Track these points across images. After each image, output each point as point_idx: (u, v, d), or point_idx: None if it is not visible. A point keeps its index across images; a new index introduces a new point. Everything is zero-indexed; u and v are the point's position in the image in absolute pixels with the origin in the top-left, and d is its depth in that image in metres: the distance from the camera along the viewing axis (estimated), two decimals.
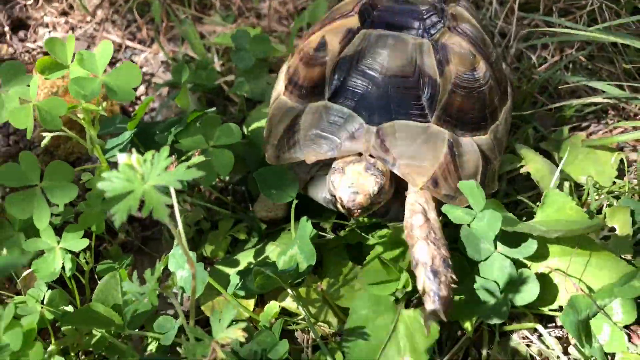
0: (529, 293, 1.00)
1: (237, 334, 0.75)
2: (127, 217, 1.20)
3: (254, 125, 1.23)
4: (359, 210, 0.96)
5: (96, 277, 1.05)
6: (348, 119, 1.01)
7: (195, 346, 0.73)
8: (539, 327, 0.99)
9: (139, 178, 0.66)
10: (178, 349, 0.93)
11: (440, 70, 1.03)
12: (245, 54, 1.31)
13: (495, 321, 0.99)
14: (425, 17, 1.08)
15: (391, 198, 1.05)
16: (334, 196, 0.98)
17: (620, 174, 1.25)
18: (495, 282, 1.00)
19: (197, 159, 0.80)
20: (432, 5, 1.11)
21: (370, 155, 1.00)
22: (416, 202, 0.99)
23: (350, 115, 1.02)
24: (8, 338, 0.80)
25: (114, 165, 1.08)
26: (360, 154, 1.00)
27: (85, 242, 0.92)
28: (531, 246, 1.01)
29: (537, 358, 1.02)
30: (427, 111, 1.02)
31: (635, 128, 1.26)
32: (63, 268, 0.94)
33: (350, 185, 0.96)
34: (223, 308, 0.79)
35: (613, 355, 1.00)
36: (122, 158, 0.67)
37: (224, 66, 1.52)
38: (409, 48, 1.04)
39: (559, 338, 1.03)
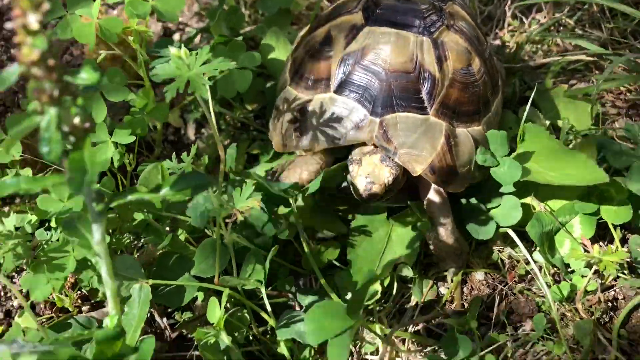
0: (512, 217, 1.17)
1: (254, 203, 0.94)
2: (162, 139, 1.40)
3: (272, 55, 1.40)
4: (373, 199, 1.06)
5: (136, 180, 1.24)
6: (353, 111, 1.11)
7: (219, 209, 0.92)
8: (510, 231, 1.16)
9: (186, 66, 0.84)
10: (207, 231, 1.12)
11: (439, 67, 1.12)
12: (270, 2, 1.48)
13: (482, 237, 1.17)
14: (425, 15, 1.16)
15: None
16: (351, 184, 1.09)
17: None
18: (485, 205, 1.19)
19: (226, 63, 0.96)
20: (432, 4, 1.19)
21: (374, 145, 1.10)
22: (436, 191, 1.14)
23: (354, 107, 1.11)
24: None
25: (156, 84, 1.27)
26: (375, 146, 1.10)
27: (132, 138, 1.10)
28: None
29: (507, 261, 1.20)
30: (427, 104, 1.11)
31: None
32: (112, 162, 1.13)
33: (367, 175, 1.06)
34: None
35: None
36: (173, 50, 0.85)
37: (250, 17, 1.70)
38: (410, 45, 1.12)
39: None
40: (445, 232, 1.13)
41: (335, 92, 1.13)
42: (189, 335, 1.12)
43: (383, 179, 1.06)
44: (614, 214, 1.15)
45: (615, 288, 1.15)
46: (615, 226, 1.16)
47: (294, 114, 1.16)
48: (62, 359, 0.76)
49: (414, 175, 1.09)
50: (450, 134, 1.12)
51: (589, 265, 1.14)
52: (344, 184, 1.16)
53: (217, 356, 0.93)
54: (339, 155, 1.18)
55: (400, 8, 1.17)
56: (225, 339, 0.91)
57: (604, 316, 1.12)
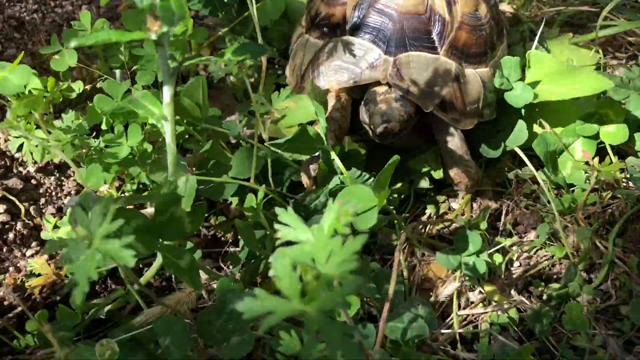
0: (519, 137, 1.27)
1: (289, 104, 1.05)
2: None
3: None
4: (389, 137, 1.11)
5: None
6: (368, 51, 1.17)
7: (260, 106, 1.03)
8: (518, 149, 1.27)
9: None
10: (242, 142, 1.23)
11: (448, 9, 1.19)
12: None
13: (491, 156, 1.28)
14: None
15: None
16: (367, 123, 1.14)
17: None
18: (494, 128, 1.29)
19: None
20: None
21: (387, 84, 1.15)
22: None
23: (369, 47, 1.17)
24: None
25: None
26: (389, 86, 1.15)
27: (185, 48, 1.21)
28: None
29: (514, 180, 1.31)
30: (437, 44, 1.18)
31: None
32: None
33: (382, 114, 1.10)
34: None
35: (573, 185, 1.28)
36: None
37: None
38: None
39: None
40: (465, 167, 1.21)
41: (351, 34, 1.20)
42: (223, 237, 1.23)
43: (397, 116, 1.10)
44: (612, 136, 1.25)
45: (612, 205, 1.26)
46: (612, 147, 1.27)
47: (310, 57, 1.23)
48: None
49: (425, 111, 1.15)
50: (460, 73, 1.19)
51: (589, 180, 1.24)
52: (364, 121, 1.19)
53: (252, 236, 1.04)
54: (356, 96, 1.23)
55: None
56: (262, 218, 1.02)
57: (601, 229, 1.23)
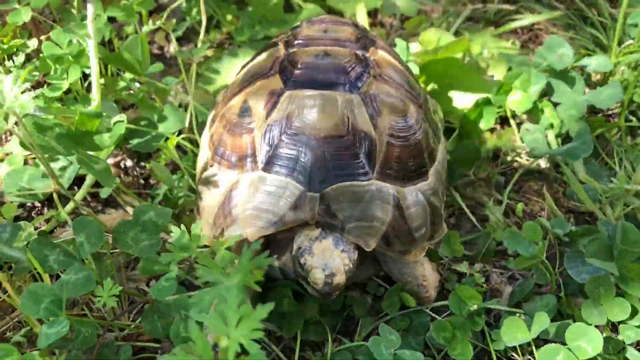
0: None
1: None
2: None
3: None
4: (336, 293, 0.93)
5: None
6: (287, 188, 0.97)
7: (181, 54, 1.17)
8: None
9: None
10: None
11: (373, 124, 1.01)
12: None
13: None
14: (349, 69, 1.05)
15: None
16: (303, 277, 0.95)
17: None
18: None
19: None
20: (354, 55, 1.07)
21: (317, 223, 0.97)
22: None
23: (288, 183, 0.98)
24: None
25: None
26: (318, 226, 0.97)
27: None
28: None
29: None
30: (368, 168, 0.99)
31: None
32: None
33: (323, 267, 0.92)
34: None
35: None
36: None
37: None
38: (339, 106, 1.00)
39: None
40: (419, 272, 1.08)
41: (264, 169, 1.00)
42: (156, 182, 1.35)
43: (342, 267, 0.92)
44: (517, 104, 1.41)
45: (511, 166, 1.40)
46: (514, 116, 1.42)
47: (221, 200, 1.03)
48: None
49: (367, 250, 0.97)
50: (399, 196, 1.01)
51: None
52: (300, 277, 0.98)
53: (167, 175, 1.17)
54: (274, 237, 1.02)
55: (320, 65, 1.05)
56: (174, 154, 1.15)
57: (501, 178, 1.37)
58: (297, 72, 1.05)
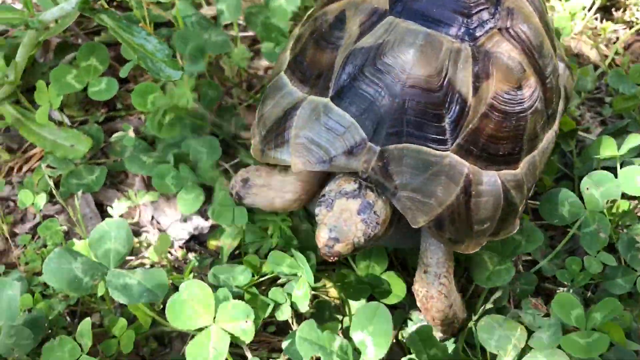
0: None
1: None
2: None
3: None
4: (335, 258, 0.84)
5: None
6: (349, 129, 0.86)
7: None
8: None
9: None
10: None
11: (475, 87, 0.85)
12: None
13: None
14: (473, 12, 0.87)
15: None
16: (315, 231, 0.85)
17: None
18: None
19: None
20: None
21: (367, 178, 0.86)
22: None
23: (352, 125, 0.86)
24: None
25: None
26: (362, 184, 0.86)
27: None
28: None
29: None
30: (448, 136, 0.85)
31: None
32: None
33: (332, 227, 0.82)
34: None
35: None
36: None
37: None
38: (442, 53, 0.85)
39: None
40: (438, 293, 0.92)
41: (333, 98, 0.88)
42: None
43: (351, 236, 0.82)
44: None
45: None
46: None
47: (281, 114, 0.92)
48: None
49: (413, 227, 0.85)
50: (473, 179, 0.87)
51: None
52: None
53: None
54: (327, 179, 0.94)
55: None
56: None
57: None
58: None
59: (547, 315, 0.92)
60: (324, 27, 0.92)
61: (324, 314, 0.96)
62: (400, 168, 0.84)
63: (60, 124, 1.17)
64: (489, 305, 0.96)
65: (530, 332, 0.88)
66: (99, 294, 0.95)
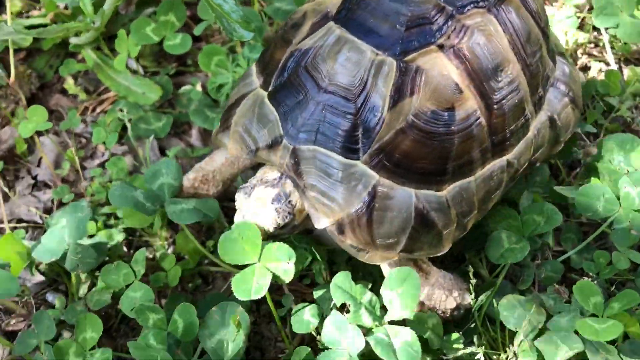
0: None
1: None
2: None
3: None
4: None
5: None
6: (274, 124, 0.89)
7: None
8: None
9: None
10: None
11: (393, 102, 0.84)
12: None
13: None
14: (412, 25, 0.85)
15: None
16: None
17: None
18: None
19: None
20: (439, 8, 0.86)
21: (284, 172, 0.90)
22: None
23: (275, 120, 0.89)
24: None
25: None
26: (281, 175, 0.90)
27: None
28: None
29: None
30: (360, 146, 0.85)
31: None
32: None
33: (245, 213, 0.88)
34: None
35: None
36: None
37: None
38: (363, 64, 0.84)
39: None
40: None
41: (270, 93, 0.91)
42: None
43: (263, 223, 0.87)
44: None
45: None
46: None
47: (235, 99, 0.98)
48: None
49: (316, 227, 0.88)
50: (381, 193, 0.85)
51: None
52: None
53: None
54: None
55: (387, 8, 0.86)
56: None
57: None
58: (356, 4, 0.88)
59: (569, 302, 0.96)
60: (288, 25, 0.95)
61: (357, 274, 1.02)
62: (309, 169, 0.86)
63: (134, 72, 1.26)
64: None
65: (549, 317, 0.92)
66: (156, 228, 1.04)
